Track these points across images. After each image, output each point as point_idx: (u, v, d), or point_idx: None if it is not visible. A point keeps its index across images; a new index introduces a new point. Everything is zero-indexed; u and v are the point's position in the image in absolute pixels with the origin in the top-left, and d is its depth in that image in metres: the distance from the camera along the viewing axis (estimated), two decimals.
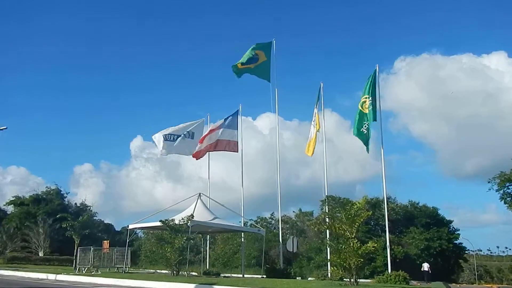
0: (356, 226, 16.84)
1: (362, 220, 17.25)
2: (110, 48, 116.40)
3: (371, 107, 25.79)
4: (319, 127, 28.66)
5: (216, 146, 30.72)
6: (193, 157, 30.64)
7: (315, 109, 28.93)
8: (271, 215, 50.40)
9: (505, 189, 31.63)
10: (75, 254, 29.56)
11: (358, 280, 16.78)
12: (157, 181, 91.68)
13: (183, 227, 23.85)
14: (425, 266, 35.10)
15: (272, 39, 30.26)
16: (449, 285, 32.45)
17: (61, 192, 58.86)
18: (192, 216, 24.83)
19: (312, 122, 29.01)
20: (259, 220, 49.84)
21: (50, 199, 56.52)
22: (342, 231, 17.01)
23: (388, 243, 25.19)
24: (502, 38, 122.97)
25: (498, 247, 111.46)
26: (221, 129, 30.79)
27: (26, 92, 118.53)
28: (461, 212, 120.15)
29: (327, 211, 28.99)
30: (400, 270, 21.05)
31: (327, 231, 22.44)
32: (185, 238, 23.30)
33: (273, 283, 17.80)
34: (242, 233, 33.03)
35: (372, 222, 42.03)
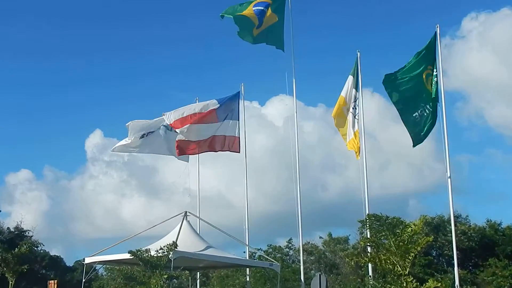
0: (410, 257, 16.89)
1: (419, 248, 17.29)
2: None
3: (435, 83, 25.95)
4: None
5: (210, 144, 30.45)
6: (178, 153, 30.02)
7: (350, 87, 28.73)
8: (289, 242, 50.48)
9: None
10: None
11: None
12: (125, 194, 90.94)
13: (162, 261, 23.81)
14: None
15: None
16: None
17: None
18: (175, 244, 24.78)
19: (351, 108, 28.68)
20: (271, 250, 49.97)
21: None
22: (390, 265, 17.06)
23: (457, 282, 25.25)
24: None
25: None
26: (222, 122, 30.37)
27: None
28: None
29: (368, 236, 29.00)
30: None
31: (369, 265, 22.49)
32: (165, 276, 23.34)
33: None
34: (247, 269, 33.13)
35: (434, 252, 42.04)
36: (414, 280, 16.72)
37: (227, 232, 30.42)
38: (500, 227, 44.60)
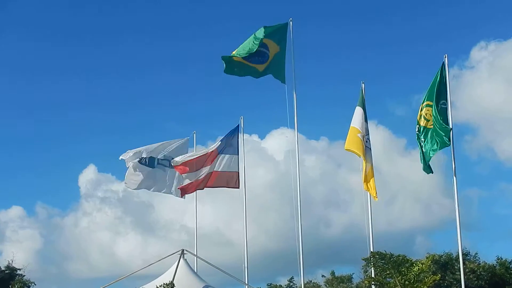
0: None
1: None
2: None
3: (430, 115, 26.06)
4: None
5: (209, 180, 30.40)
6: (181, 194, 30.36)
7: (362, 119, 28.40)
8: (290, 281, 50.01)
9: None
10: None
11: None
12: (120, 232, 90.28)
13: None
14: None
15: (288, 19, 30.15)
16: None
17: None
18: (172, 284, 24.74)
19: (363, 141, 28.26)
20: None
21: None
22: None
23: None
24: None
25: None
26: (219, 156, 30.47)
27: None
28: None
29: (373, 275, 28.70)
30: None
31: None
32: None
33: None
34: None
35: None
36: None
37: (226, 270, 29.94)
38: (510, 265, 44.12)
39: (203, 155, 30.54)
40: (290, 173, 30.61)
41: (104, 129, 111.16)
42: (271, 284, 50.51)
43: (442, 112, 26.80)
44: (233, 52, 28.75)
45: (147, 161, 30.42)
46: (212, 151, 30.69)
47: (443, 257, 41.41)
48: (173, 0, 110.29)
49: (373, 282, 22.76)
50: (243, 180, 30.99)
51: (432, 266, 36.39)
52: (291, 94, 29.64)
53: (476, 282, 41.27)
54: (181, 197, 30.73)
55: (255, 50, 28.51)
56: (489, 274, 43.23)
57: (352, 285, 46.54)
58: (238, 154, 31.15)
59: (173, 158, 30.44)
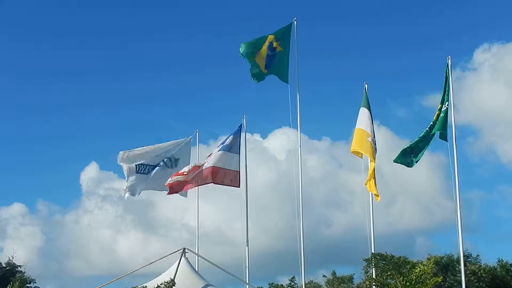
0: None
1: None
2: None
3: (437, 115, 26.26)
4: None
5: (208, 175, 30.24)
6: (169, 191, 30.12)
7: (368, 119, 28.50)
8: (291, 281, 49.75)
9: None
10: None
11: None
12: (121, 230, 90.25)
13: None
14: None
15: (292, 18, 30.28)
16: None
17: None
18: (173, 282, 24.81)
19: (370, 137, 28.29)
20: None
21: None
22: None
23: None
24: None
25: None
26: (219, 152, 30.44)
27: None
28: None
29: (374, 275, 28.79)
30: None
31: None
32: None
33: None
34: None
35: None
36: None
37: (227, 269, 30.19)
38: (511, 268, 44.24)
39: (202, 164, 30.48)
40: (292, 173, 30.70)
41: (106, 127, 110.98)
42: (272, 283, 50.49)
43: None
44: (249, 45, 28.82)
45: (144, 168, 30.49)
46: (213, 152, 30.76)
47: (444, 258, 41.49)
48: (177, 0, 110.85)
49: (374, 283, 22.91)
50: (245, 179, 31.07)
51: (433, 267, 36.61)
52: (294, 94, 29.79)
53: (477, 284, 41.32)
54: (168, 194, 30.38)
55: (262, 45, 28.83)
56: (490, 276, 43.31)
57: (353, 286, 46.54)
58: (239, 154, 31.21)
59: (176, 158, 30.66)
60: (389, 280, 19.62)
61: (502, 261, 44.79)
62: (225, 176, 30.59)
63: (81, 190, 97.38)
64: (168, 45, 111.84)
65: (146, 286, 24.64)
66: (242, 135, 31.70)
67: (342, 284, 48.44)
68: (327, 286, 49.91)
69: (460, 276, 27.05)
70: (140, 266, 30.58)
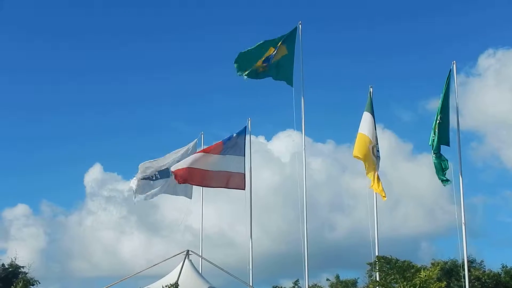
0: None
1: None
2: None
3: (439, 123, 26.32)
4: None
5: (212, 180, 30.53)
6: (174, 176, 29.75)
7: (371, 125, 28.54)
8: (295, 283, 50.04)
9: None
10: None
11: None
12: (124, 231, 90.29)
13: None
14: None
15: (297, 22, 30.31)
16: None
17: None
18: (176, 285, 24.72)
19: (372, 151, 28.33)
20: None
21: None
22: None
23: None
24: None
25: None
26: (219, 155, 30.52)
27: None
28: None
29: (377, 279, 28.79)
30: None
31: None
32: None
33: None
34: None
35: None
36: None
37: (230, 272, 29.99)
38: None
39: (204, 149, 30.70)
40: (296, 176, 30.73)
41: (110, 128, 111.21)
42: (275, 286, 50.48)
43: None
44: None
45: (152, 176, 30.65)
46: (212, 148, 30.60)
47: (448, 263, 41.58)
48: (183, 1, 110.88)
49: (377, 287, 22.93)
50: (249, 181, 31.04)
51: (437, 273, 36.60)
52: (298, 97, 29.80)
53: None
54: (178, 183, 30.17)
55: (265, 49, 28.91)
56: (494, 282, 43.35)
57: None
58: (244, 156, 31.19)
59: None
60: (393, 284, 19.63)
61: (506, 267, 44.86)
62: (230, 179, 30.65)
63: (85, 191, 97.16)
64: (174, 46, 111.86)
65: None
66: (247, 137, 31.76)
67: None
68: None
69: (464, 282, 27.02)
70: (143, 268, 30.62)
